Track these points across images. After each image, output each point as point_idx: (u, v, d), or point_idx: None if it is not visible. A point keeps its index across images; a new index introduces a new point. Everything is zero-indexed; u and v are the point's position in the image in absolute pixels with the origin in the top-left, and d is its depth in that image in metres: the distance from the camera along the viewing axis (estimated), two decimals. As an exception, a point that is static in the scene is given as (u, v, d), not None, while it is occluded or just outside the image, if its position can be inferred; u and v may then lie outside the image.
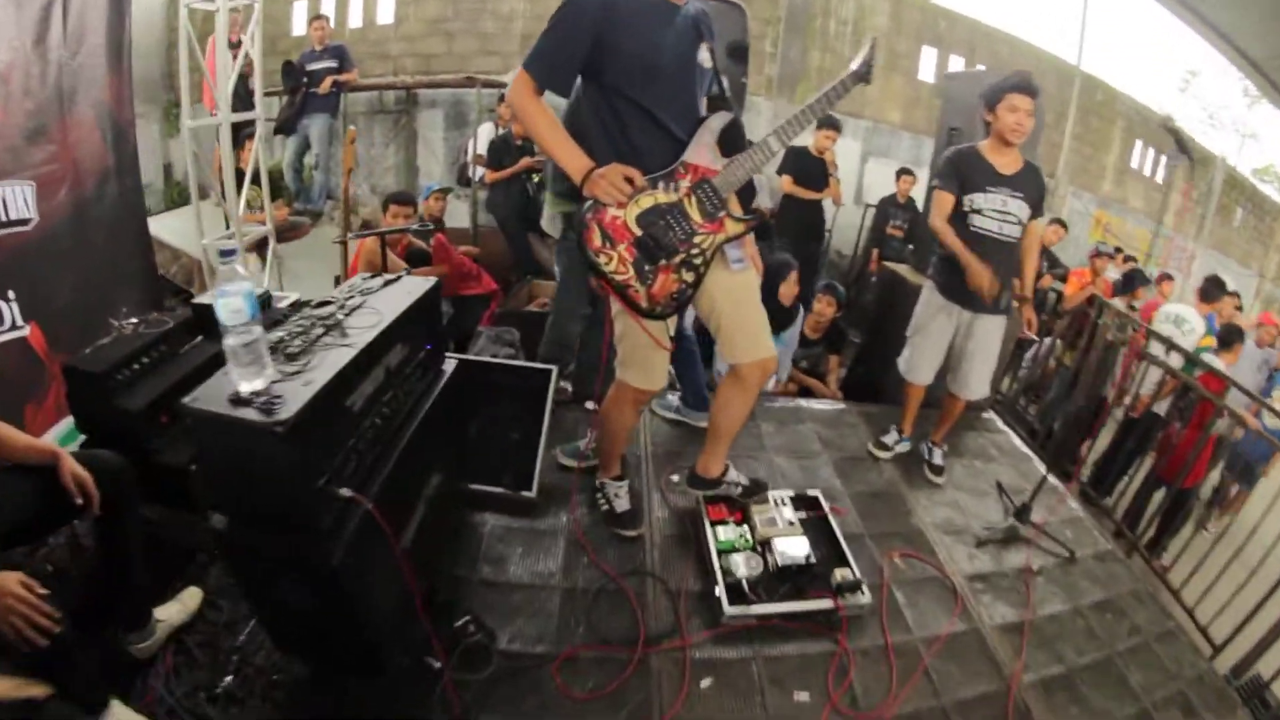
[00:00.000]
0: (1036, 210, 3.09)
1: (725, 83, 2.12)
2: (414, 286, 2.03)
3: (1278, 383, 5.50)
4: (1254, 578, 3.37)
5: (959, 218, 3.08)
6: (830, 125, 5.50)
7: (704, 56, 2.06)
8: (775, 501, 2.68)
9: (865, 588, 2.41)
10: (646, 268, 2.05)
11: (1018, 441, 4.10)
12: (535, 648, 2.13)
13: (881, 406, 4.06)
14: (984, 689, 2.36)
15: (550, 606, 2.28)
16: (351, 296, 1.89)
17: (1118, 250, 8.14)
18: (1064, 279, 6.43)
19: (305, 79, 6.30)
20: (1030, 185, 3.05)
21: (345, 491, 1.54)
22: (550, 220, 3.24)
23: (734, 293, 2.21)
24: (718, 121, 2.06)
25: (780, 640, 2.30)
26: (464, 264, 4.73)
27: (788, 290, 4.06)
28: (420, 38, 8.13)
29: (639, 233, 2.02)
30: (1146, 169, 11.78)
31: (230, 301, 1.39)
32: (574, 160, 1.98)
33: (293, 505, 1.48)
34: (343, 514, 1.56)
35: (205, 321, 2.51)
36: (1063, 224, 7.02)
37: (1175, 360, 4.48)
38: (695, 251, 2.08)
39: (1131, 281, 6.26)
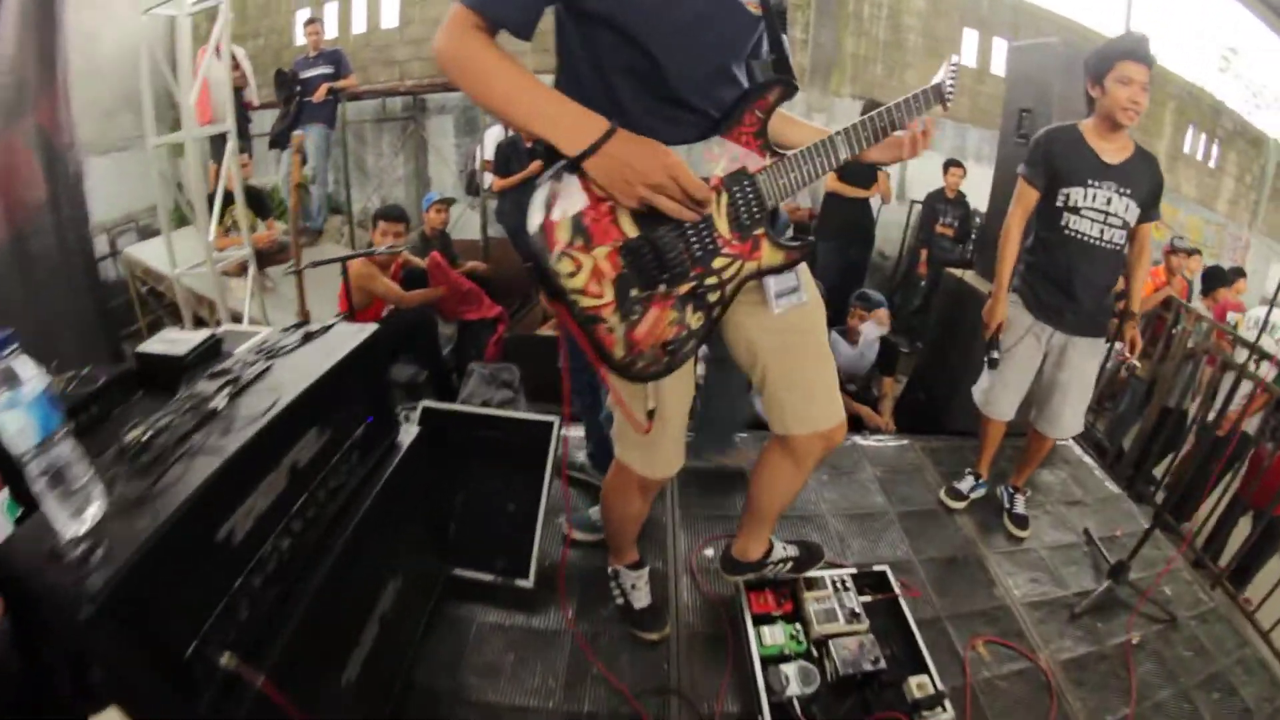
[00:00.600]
0: (1148, 211, 2.52)
1: (787, 44, 1.41)
2: (342, 340, 1.51)
3: None
4: None
5: (1047, 216, 2.55)
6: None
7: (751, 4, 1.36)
8: (834, 585, 2.14)
9: (948, 702, 1.90)
10: (633, 293, 1.31)
11: (1101, 474, 3.58)
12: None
13: (947, 440, 3.54)
14: None
15: (549, 735, 1.78)
16: (251, 362, 1.40)
17: (1195, 251, 7.57)
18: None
19: (299, 87, 5.88)
20: (1142, 179, 2.47)
21: (228, 659, 1.07)
22: None
23: (783, 338, 1.56)
24: (775, 95, 1.36)
25: None
26: (461, 285, 4.29)
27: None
28: (426, 40, 7.60)
29: (633, 235, 1.29)
30: (1199, 153, 11.15)
31: (10, 418, 0.92)
32: (563, 116, 1.23)
33: (151, 694, 1.02)
34: (229, 688, 1.09)
35: (151, 376, 2.10)
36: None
37: (1267, 371, 4.06)
38: (712, 281, 1.36)
39: (1211, 281, 5.63)
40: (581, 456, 2.76)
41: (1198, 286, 5.64)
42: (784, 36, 1.40)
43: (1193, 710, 2.31)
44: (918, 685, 1.90)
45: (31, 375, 0.98)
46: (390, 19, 7.78)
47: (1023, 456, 2.94)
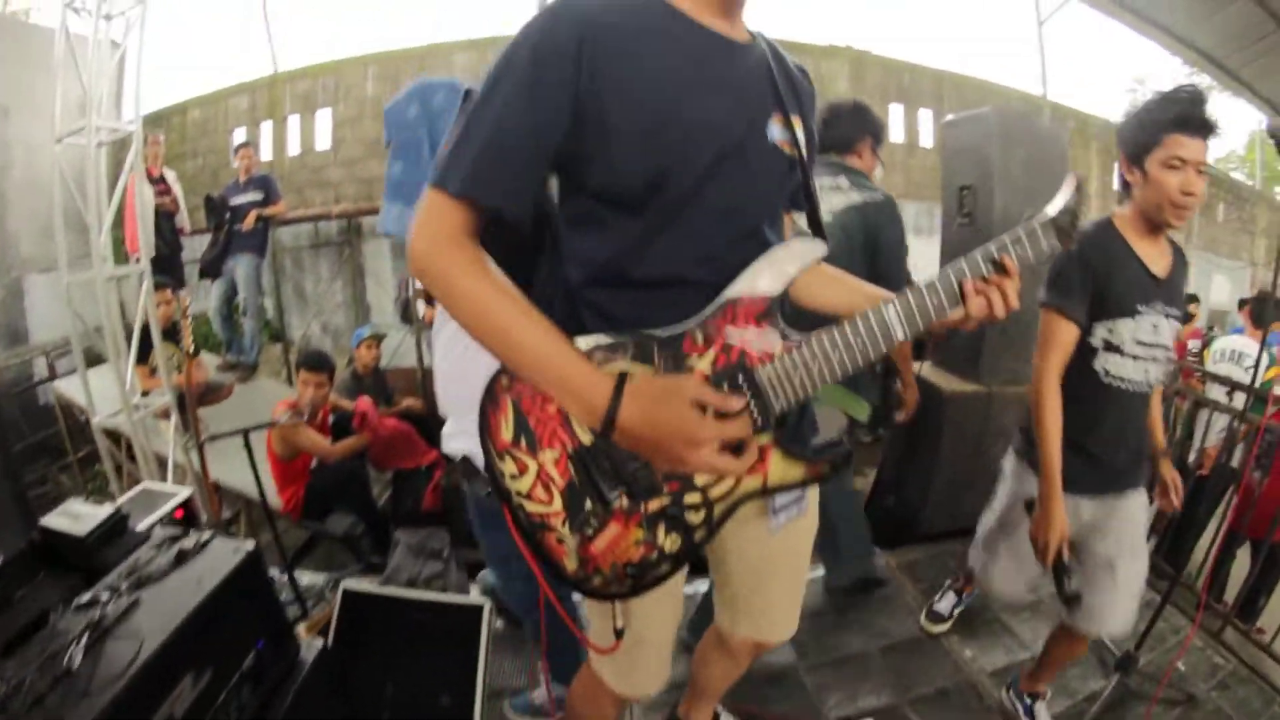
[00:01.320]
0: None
1: (815, 186, 1.17)
2: (220, 561, 1.29)
3: None
4: None
5: (1084, 360, 1.84)
6: None
7: (777, 133, 1.06)
8: None
9: None
10: (589, 505, 1.04)
11: None
12: None
13: (924, 548, 3.38)
14: None
15: None
16: (117, 594, 1.17)
17: None
18: None
19: (229, 214, 5.73)
20: (1182, 286, 1.88)
21: None
22: None
23: (765, 557, 1.35)
24: (796, 257, 1.06)
25: None
26: (391, 433, 4.05)
27: None
28: (359, 161, 7.69)
29: (586, 441, 1.01)
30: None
31: None
32: (566, 370, 0.97)
33: None
34: None
35: (55, 551, 1.85)
36: None
37: (1241, 401, 3.96)
38: (693, 500, 1.05)
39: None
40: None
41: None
42: (815, 182, 1.16)
43: None
44: None
45: None
46: (324, 141, 7.83)
47: (1048, 656, 2.21)
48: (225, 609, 1.21)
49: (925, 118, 8.95)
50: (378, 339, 4.74)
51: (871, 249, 2.52)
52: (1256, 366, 3.93)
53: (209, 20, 28.65)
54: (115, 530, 1.88)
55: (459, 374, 1.31)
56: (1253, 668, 2.89)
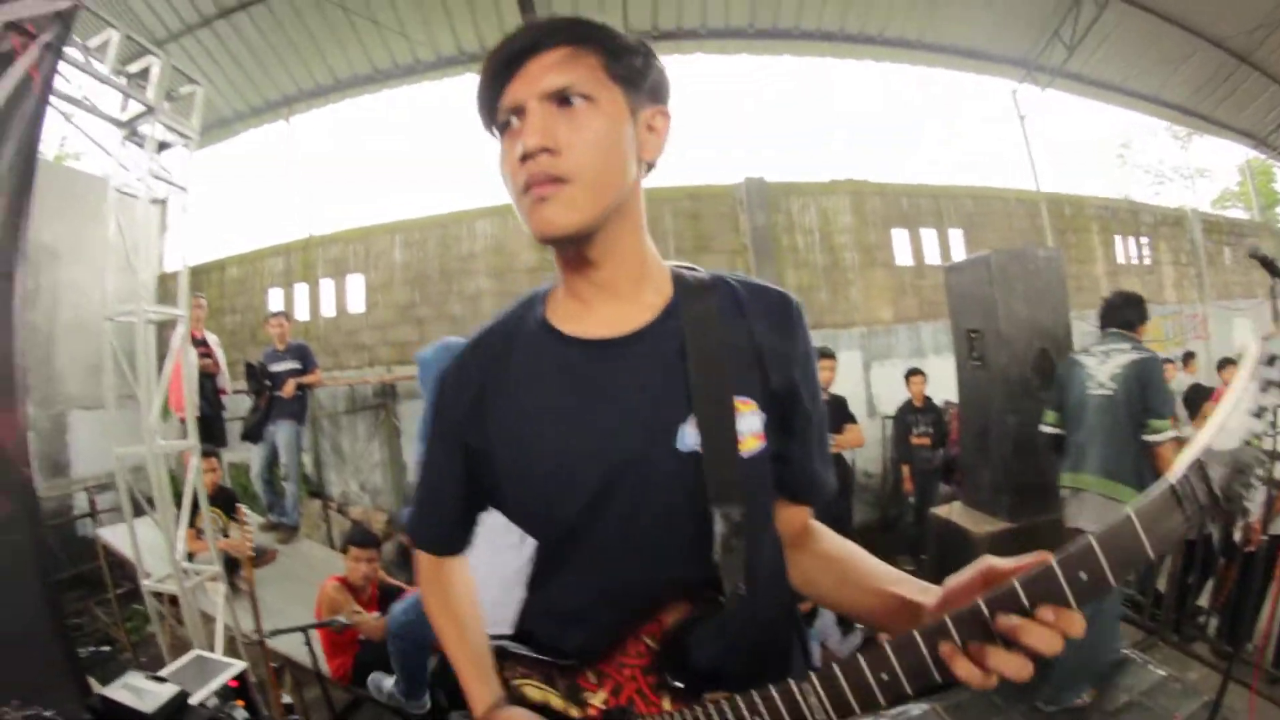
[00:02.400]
0: None
1: (734, 510, 0.89)
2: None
3: None
4: None
5: None
6: (825, 355, 4.90)
7: (689, 436, 0.90)
8: None
9: None
10: None
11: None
12: None
13: (970, 691, 3.27)
14: None
15: None
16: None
17: (1166, 361, 7.65)
18: None
19: (269, 381, 5.98)
20: None
21: None
22: None
23: None
24: (674, 618, 0.91)
25: None
26: None
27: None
28: (391, 325, 8.02)
29: None
30: (1134, 258, 11.75)
31: None
32: (470, 686, 1.06)
33: None
34: None
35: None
36: None
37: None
38: None
39: (1195, 403, 5.65)
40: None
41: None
42: (729, 496, 0.90)
43: None
44: None
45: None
46: (357, 304, 8.20)
47: None
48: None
49: (929, 237, 9.22)
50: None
51: (1143, 392, 3.19)
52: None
53: (246, 185, 30.29)
54: (178, 709, 1.96)
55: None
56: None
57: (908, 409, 6.39)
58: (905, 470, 6.27)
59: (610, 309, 0.94)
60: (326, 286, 8.28)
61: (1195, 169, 22.96)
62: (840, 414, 4.76)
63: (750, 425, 0.92)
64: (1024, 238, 9.60)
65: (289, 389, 5.87)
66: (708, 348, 0.92)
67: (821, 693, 0.77)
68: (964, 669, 0.70)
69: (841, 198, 8.84)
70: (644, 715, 0.91)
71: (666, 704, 0.90)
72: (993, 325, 3.52)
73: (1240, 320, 12.17)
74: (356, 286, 8.19)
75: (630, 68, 0.89)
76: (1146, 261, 12.04)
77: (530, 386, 0.95)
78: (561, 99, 0.84)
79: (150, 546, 4.23)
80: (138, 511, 4.15)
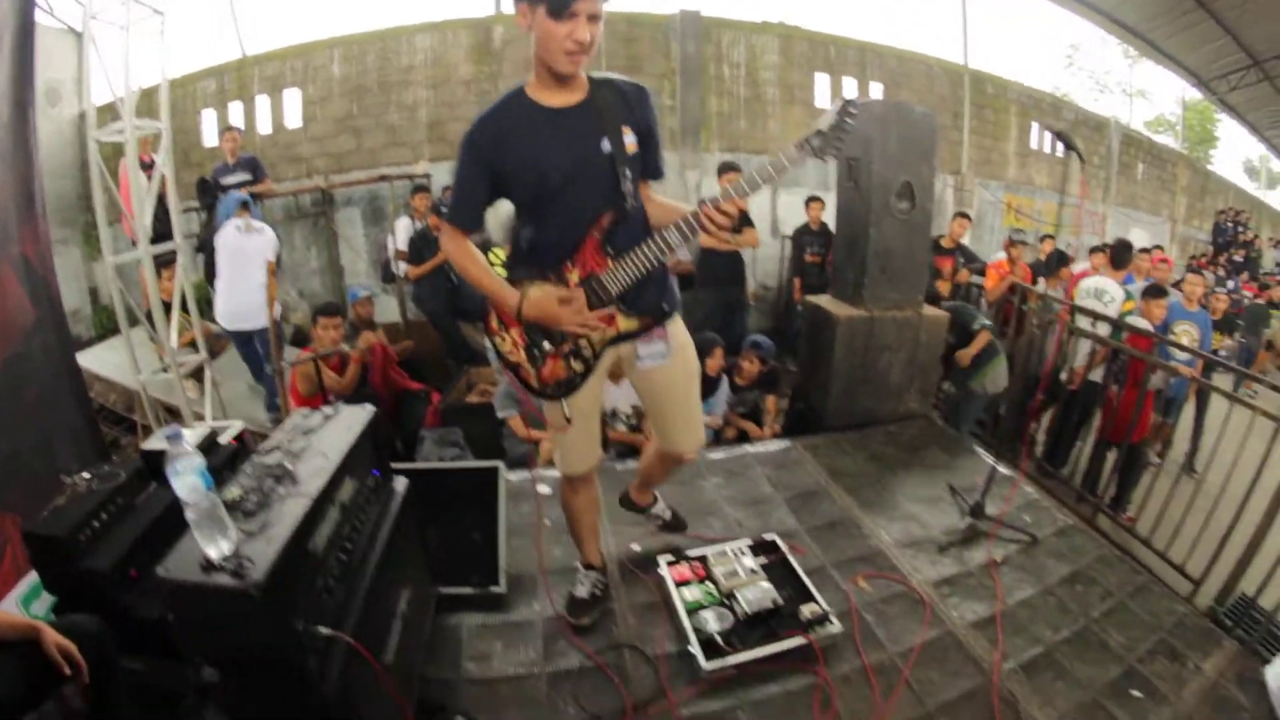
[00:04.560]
0: None
1: (630, 175, 1.99)
2: (353, 419, 2.13)
3: (1174, 317, 5.80)
4: (1220, 504, 3.57)
5: None
6: (733, 170, 5.65)
7: (606, 145, 1.94)
8: (733, 553, 2.81)
9: (834, 617, 2.51)
10: (536, 352, 2.12)
11: (963, 439, 4.34)
12: (530, 735, 2.22)
13: (825, 436, 4.21)
14: (967, 686, 2.44)
15: (538, 694, 2.32)
16: (294, 439, 1.96)
17: (1046, 237, 8.52)
18: (982, 272, 6.58)
19: (220, 194, 6.31)
20: None
21: (324, 630, 1.61)
22: None
23: (653, 390, 2.32)
24: (606, 219, 1.97)
25: (762, 684, 2.35)
26: (396, 361, 4.90)
27: (713, 364, 4.38)
28: (329, 137, 8.23)
29: (524, 330, 2.11)
30: (1046, 147, 12.41)
31: (186, 480, 1.47)
32: (502, 293, 2.02)
33: (278, 653, 1.54)
34: (326, 650, 1.63)
35: (156, 468, 2.52)
36: (966, 216, 7.19)
37: (1103, 329, 4.77)
38: (584, 343, 2.10)
39: (1053, 263, 6.47)
40: None
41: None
42: (626, 171, 1.97)
43: (1058, 603, 2.89)
44: (809, 610, 2.51)
45: (194, 453, 1.51)
46: (294, 118, 8.32)
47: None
48: (361, 445, 2.05)
49: (849, 86, 9.66)
50: (370, 298, 5.37)
51: None
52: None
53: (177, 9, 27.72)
54: (207, 446, 2.61)
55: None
56: (1123, 548, 3.64)
57: (804, 230, 7.15)
58: (797, 283, 7.07)
59: (565, 94, 1.94)
60: (262, 104, 8.32)
61: (1137, 89, 23.60)
62: (742, 220, 5.52)
63: (630, 140, 1.97)
64: (941, 103, 10.21)
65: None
66: (609, 108, 1.96)
67: (657, 239, 1.94)
68: (706, 221, 1.84)
69: (771, 38, 9.19)
70: (599, 272, 2.00)
71: (610, 263, 1.99)
72: (868, 156, 4.12)
73: (1138, 230, 13.08)
74: (294, 102, 8.27)
75: None
76: (1060, 153, 12.61)
77: (526, 129, 1.91)
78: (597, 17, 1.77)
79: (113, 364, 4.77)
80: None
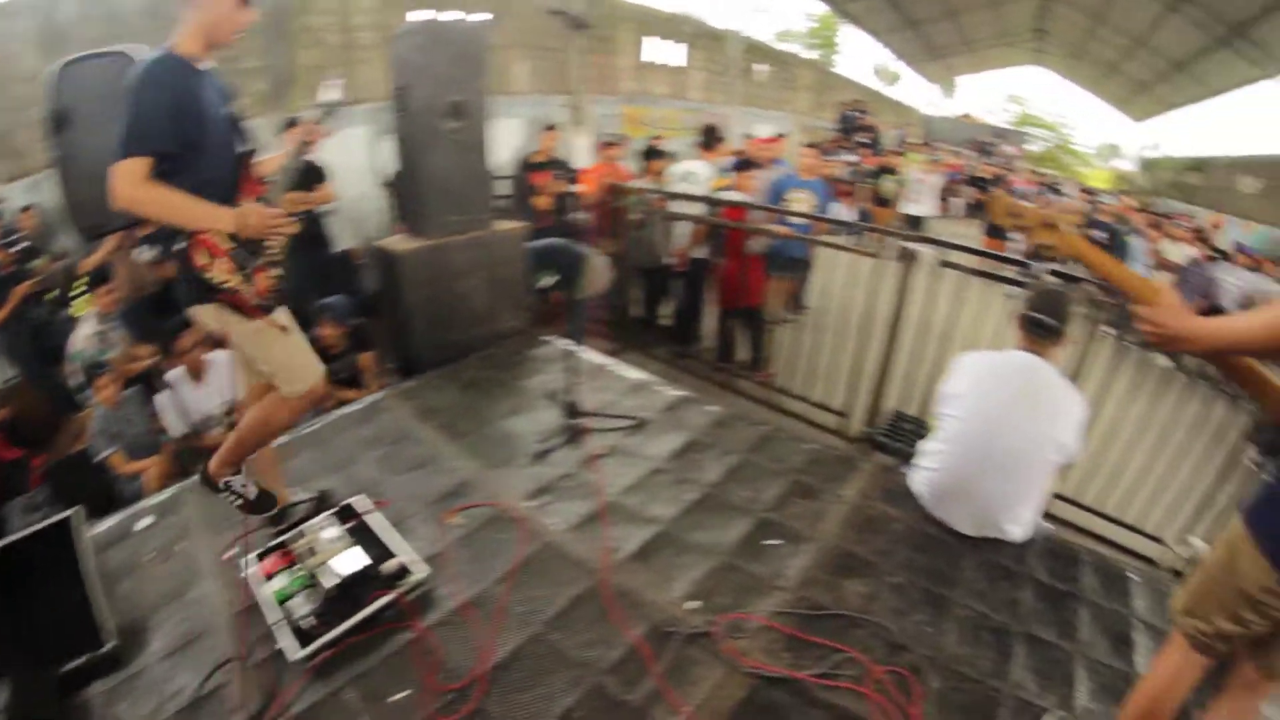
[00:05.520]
0: None
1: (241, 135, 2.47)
2: None
3: (786, 187, 6.29)
4: (848, 340, 4.10)
5: None
6: (293, 125, 5.39)
7: (224, 111, 2.38)
8: (316, 528, 2.76)
9: (415, 565, 2.55)
10: (248, 270, 2.38)
11: (563, 344, 4.50)
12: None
13: (420, 379, 4.27)
14: (575, 592, 2.52)
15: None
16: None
17: (654, 138, 8.77)
18: (574, 180, 6.65)
19: None
20: None
21: None
22: None
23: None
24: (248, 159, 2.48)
25: (364, 654, 2.32)
26: None
27: (323, 332, 4.52)
28: None
29: (232, 245, 2.33)
30: (660, 59, 13.62)
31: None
32: (216, 213, 2.27)
33: None
34: None
35: None
36: (554, 129, 7.15)
37: (700, 209, 5.27)
38: (273, 251, 2.46)
39: (647, 156, 6.89)
40: None
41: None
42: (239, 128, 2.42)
43: (670, 478, 3.10)
44: (386, 567, 2.55)
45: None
46: None
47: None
48: None
49: (456, 18, 9.29)
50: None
51: None
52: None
53: None
54: None
55: None
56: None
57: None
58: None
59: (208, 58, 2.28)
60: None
61: (759, 6, 25.58)
62: (308, 177, 5.53)
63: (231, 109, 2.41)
64: (550, 28, 10.15)
65: None
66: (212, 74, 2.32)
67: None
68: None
69: None
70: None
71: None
72: (416, 82, 4.02)
73: (762, 126, 14.28)
74: None
75: None
76: (682, 64, 13.83)
77: (184, 91, 2.17)
78: None
79: None
80: None
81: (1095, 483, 4.12)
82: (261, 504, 2.83)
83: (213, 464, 2.73)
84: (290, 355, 2.57)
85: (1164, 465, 4.17)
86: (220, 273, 2.35)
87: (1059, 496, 3.82)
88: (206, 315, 2.47)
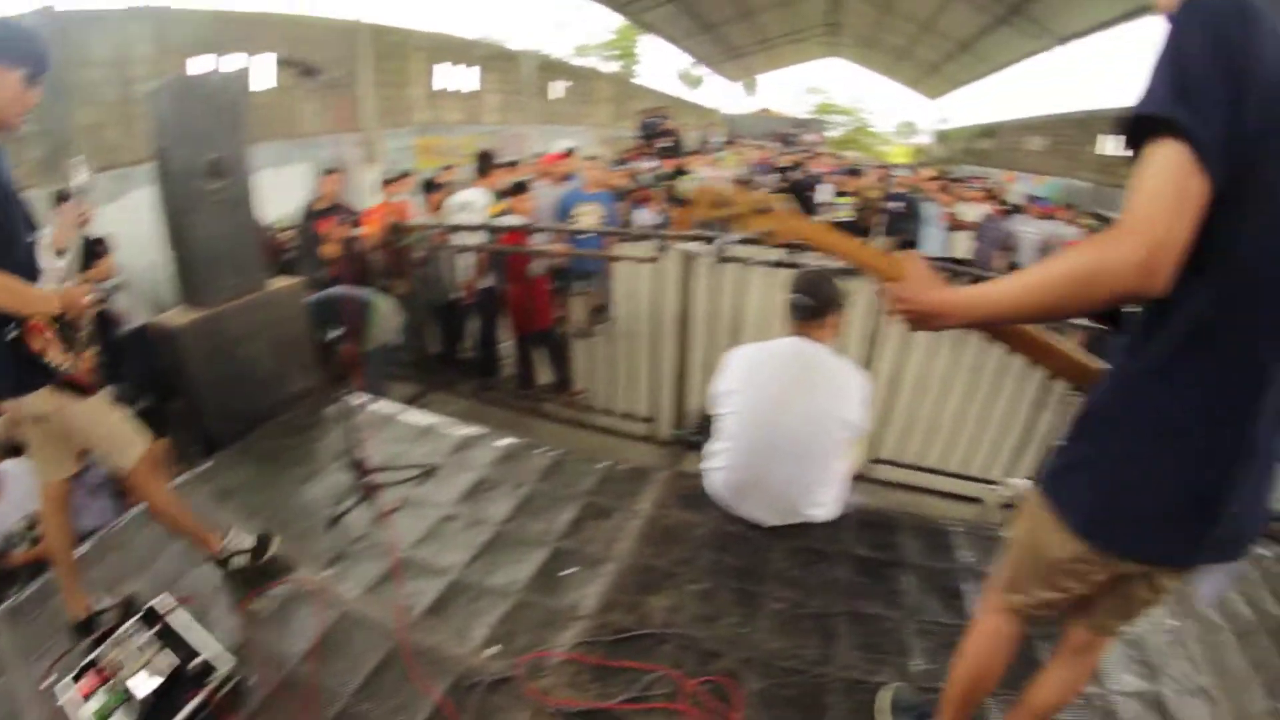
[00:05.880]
0: None
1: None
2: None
3: (573, 202, 6.39)
4: (643, 346, 4.20)
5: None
6: (64, 199, 4.79)
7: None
8: (125, 637, 2.59)
9: (217, 659, 2.42)
10: (74, 350, 2.41)
11: (355, 399, 4.14)
12: None
13: (216, 458, 3.89)
14: (378, 657, 2.44)
15: None
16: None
17: (446, 168, 8.61)
18: (356, 224, 6.09)
19: None
20: None
21: None
22: None
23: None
24: None
25: None
26: None
27: None
28: None
29: (56, 327, 2.34)
30: (453, 85, 13.57)
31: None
32: (37, 295, 2.26)
33: None
34: None
35: None
36: (336, 172, 6.29)
37: (480, 237, 5.23)
38: (86, 329, 2.50)
39: (427, 189, 6.86)
40: None
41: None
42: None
43: (461, 523, 3.03)
44: (195, 665, 2.41)
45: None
46: None
47: None
48: None
49: (238, 62, 9.40)
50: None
51: None
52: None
53: None
54: None
55: None
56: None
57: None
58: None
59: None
60: None
61: (558, 22, 28.51)
62: (89, 254, 5.06)
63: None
64: (342, 63, 10.46)
65: None
66: None
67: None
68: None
69: (144, 24, 8.31)
70: None
71: None
72: (173, 142, 3.72)
73: (562, 140, 14.68)
74: None
75: None
76: (476, 87, 13.73)
77: None
78: None
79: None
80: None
81: (914, 440, 4.38)
82: (262, 545, 2.97)
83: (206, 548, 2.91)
84: (119, 423, 2.64)
85: (978, 408, 4.36)
86: (55, 355, 2.35)
87: (880, 460, 4.06)
88: (39, 401, 2.42)
